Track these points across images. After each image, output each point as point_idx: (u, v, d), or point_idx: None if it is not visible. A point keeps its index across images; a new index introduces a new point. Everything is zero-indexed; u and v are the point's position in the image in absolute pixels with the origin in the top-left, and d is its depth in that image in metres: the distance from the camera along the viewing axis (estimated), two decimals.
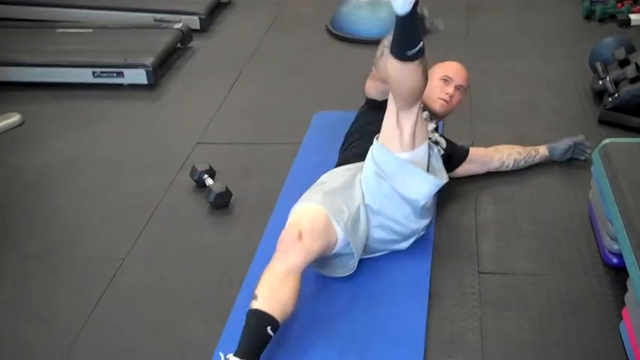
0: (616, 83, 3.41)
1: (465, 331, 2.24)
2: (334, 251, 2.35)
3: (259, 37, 4.74)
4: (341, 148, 2.82)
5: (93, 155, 3.44)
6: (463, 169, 2.94)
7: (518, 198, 2.89)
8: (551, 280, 2.44)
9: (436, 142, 2.73)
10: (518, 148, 3.03)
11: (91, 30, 4.61)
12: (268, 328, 2.02)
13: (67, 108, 3.92)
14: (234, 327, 2.10)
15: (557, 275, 2.46)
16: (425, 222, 2.50)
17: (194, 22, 4.80)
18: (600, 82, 3.51)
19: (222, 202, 2.92)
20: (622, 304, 2.20)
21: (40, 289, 2.56)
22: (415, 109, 2.34)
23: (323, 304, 2.34)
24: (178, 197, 3.05)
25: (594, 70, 3.65)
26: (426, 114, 2.74)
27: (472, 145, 3.08)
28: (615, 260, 2.40)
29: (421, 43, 2.18)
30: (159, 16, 4.83)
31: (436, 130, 2.83)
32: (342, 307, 2.33)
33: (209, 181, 3.00)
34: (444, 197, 2.85)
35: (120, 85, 4.08)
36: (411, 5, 2.08)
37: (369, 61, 3.96)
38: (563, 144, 3.04)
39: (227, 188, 2.92)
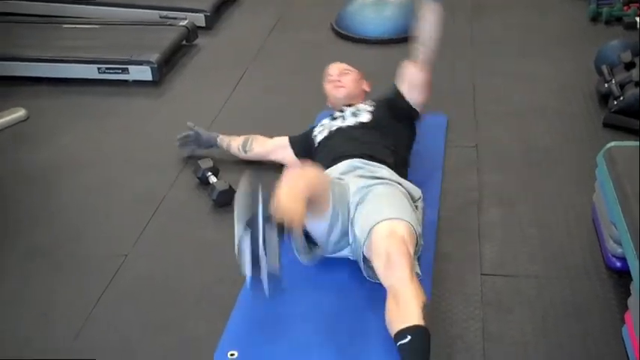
0: (621, 86, 3.40)
1: (467, 333, 2.23)
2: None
3: (265, 35, 4.73)
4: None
5: (97, 151, 3.44)
6: (408, 83, 2.84)
7: (522, 200, 2.89)
8: (554, 283, 2.44)
9: (355, 114, 2.86)
10: None
11: (96, 26, 4.62)
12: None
13: (72, 104, 3.92)
14: (236, 325, 2.10)
15: (561, 278, 2.46)
16: None
17: (200, 19, 4.80)
18: (606, 84, 3.50)
19: (225, 200, 2.91)
20: (625, 307, 2.19)
21: (42, 286, 2.56)
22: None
23: (324, 303, 2.33)
24: (181, 195, 3.05)
25: (600, 72, 3.64)
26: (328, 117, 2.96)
27: (476, 147, 3.17)
28: (619, 264, 2.39)
29: None
30: (164, 13, 4.83)
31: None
32: (343, 306, 2.32)
33: (212, 179, 3.00)
34: (447, 198, 2.85)
35: (125, 82, 4.07)
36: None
37: (374, 60, 3.96)
38: None
39: (230, 186, 2.91)
